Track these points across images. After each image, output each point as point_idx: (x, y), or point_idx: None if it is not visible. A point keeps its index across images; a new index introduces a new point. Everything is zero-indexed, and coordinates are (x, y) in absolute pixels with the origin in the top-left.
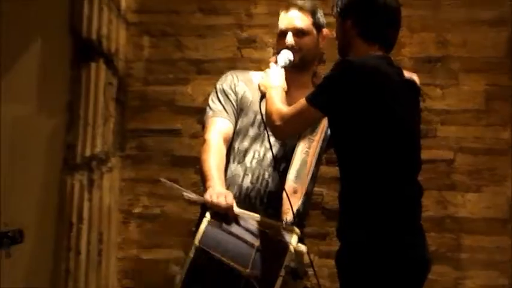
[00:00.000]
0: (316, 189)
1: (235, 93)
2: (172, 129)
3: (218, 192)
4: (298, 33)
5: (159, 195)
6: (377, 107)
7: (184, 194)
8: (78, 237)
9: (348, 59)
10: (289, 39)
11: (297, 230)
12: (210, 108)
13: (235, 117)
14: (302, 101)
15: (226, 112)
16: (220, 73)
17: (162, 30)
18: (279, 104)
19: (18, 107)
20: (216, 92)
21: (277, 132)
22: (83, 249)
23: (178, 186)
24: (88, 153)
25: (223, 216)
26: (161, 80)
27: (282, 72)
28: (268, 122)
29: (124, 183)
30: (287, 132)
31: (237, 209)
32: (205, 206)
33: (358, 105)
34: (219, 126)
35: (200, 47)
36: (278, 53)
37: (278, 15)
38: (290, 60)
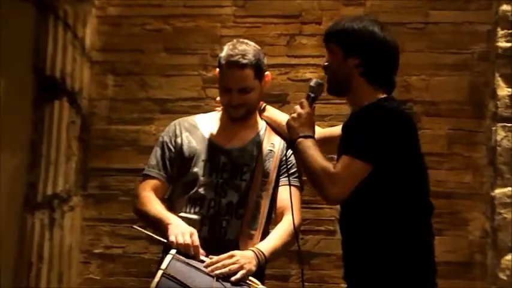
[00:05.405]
0: None
1: (175, 146)
2: (136, 168)
3: (182, 232)
4: (243, 90)
5: (121, 235)
6: (414, 155)
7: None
8: (38, 277)
9: (386, 108)
10: (235, 101)
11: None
12: (148, 161)
13: (169, 170)
14: (349, 159)
15: (158, 168)
16: (184, 113)
17: (126, 69)
18: (322, 162)
19: None
20: (157, 145)
21: (332, 198)
22: None
23: (149, 233)
24: (50, 192)
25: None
26: (125, 119)
27: (312, 111)
28: (316, 185)
29: (85, 223)
30: (343, 196)
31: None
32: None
33: (402, 153)
34: (149, 184)
35: (165, 86)
36: (222, 104)
37: None
38: (320, 84)
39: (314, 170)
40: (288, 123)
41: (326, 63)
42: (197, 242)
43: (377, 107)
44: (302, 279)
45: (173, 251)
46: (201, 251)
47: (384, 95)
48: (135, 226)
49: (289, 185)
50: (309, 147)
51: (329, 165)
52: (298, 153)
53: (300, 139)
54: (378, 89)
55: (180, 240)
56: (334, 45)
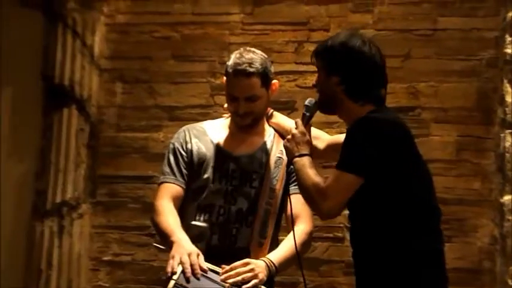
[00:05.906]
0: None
1: (186, 151)
2: (144, 176)
3: (180, 254)
4: (249, 99)
5: (129, 242)
6: (411, 161)
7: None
8: (47, 285)
9: (374, 119)
10: (241, 110)
11: None
12: (162, 170)
13: (186, 175)
14: (339, 173)
15: (174, 174)
16: (193, 120)
17: (135, 76)
18: (314, 178)
19: None
20: (169, 152)
21: (324, 213)
22: None
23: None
24: (58, 199)
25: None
26: (133, 126)
27: (308, 129)
28: (309, 201)
29: (94, 230)
30: (336, 209)
31: (205, 264)
32: None
33: (395, 161)
34: (167, 191)
35: (173, 93)
36: (229, 112)
37: None
38: (315, 103)
39: (306, 186)
40: (284, 144)
41: (315, 82)
42: (195, 260)
43: (365, 119)
44: (304, 284)
45: (176, 276)
46: (205, 266)
47: (374, 107)
48: (155, 244)
49: (295, 193)
50: (304, 165)
51: (320, 181)
52: (295, 172)
53: (295, 159)
54: (365, 104)
55: (178, 261)
56: (318, 63)
